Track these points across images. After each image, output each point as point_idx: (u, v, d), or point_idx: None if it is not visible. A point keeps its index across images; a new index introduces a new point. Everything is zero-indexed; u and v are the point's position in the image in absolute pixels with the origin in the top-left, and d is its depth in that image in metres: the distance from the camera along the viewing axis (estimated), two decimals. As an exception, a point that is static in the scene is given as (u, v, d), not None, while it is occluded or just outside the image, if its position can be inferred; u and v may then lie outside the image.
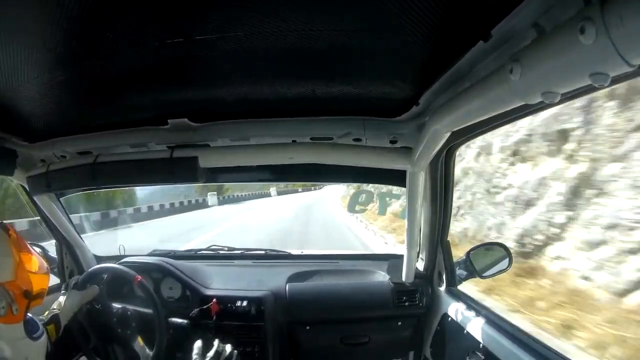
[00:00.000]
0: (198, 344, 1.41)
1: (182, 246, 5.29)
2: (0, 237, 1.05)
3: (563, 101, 0.71)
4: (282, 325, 1.74)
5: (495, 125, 1.10)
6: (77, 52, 0.79)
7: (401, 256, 1.74)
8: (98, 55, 0.80)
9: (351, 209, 11.91)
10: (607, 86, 0.51)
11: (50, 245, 1.91)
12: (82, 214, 9.98)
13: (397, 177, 1.48)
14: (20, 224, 6.89)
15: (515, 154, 6.03)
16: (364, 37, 0.75)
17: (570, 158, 4.80)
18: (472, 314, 1.42)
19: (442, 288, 1.67)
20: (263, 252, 2.18)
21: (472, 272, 1.63)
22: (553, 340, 3.41)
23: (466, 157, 8.66)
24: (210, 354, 1.37)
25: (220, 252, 2.20)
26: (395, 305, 1.72)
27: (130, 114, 1.22)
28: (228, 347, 1.43)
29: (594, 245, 4.18)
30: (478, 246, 1.71)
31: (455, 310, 1.53)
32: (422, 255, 1.74)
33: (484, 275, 1.65)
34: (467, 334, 1.37)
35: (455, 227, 6.94)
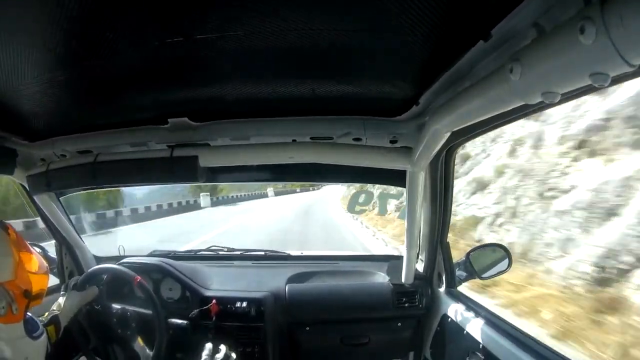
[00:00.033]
0: (208, 346, 1.41)
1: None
2: (0, 237, 1.05)
3: (563, 101, 0.71)
4: (282, 326, 1.74)
5: (495, 125, 1.10)
6: (77, 52, 0.79)
7: (401, 257, 1.73)
8: (98, 55, 0.80)
9: (351, 209, 11.55)
10: (607, 86, 0.51)
11: (50, 246, 1.91)
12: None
13: (397, 177, 1.47)
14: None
15: (580, 146, 4.65)
16: (364, 37, 0.75)
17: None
18: (471, 314, 1.42)
19: (442, 289, 1.67)
20: (263, 253, 2.18)
21: (472, 273, 1.63)
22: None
23: (492, 152, 7.69)
24: (220, 356, 1.38)
25: (220, 252, 2.19)
26: (395, 306, 1.72)
27: (130, 113, 1.22)
28: (234, 355, 1.44)
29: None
30: (477, 247, 1.71)
31: (455, 311, 1.52)
32: (422, 256, 1.74)
33: (483, 276, 1.64)
34: (467, 334, 1.37)
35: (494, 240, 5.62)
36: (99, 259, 1.99)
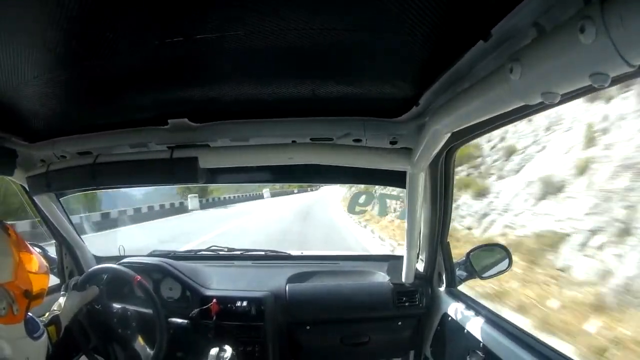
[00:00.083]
0: (214, 350, 1.41)
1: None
2: (0, 237, 1.05)
3: (563, 101, 0.71)
4: (282, 325, 1.74)
5: (495, 126, 1.10)
6: (77, 52, 0.79)
7: (401, 257, 1.74)
8: (98, 55, 0.80)
9: (351, 210, 11.13)
10: (608, 86, 0.51)
11: (50, 246, 1.91)
12: (17, 222, 7.12)
13: (397, 178, 1.47)
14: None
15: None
16: (364, 37, 0.75)
17: None
18: (472, 313, 1.42)
19: (442, 288, 1.67)
20: (263, 252, 2.18)
21: (472, 272, 1.63)
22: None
23: (549, 143, 6.05)
24: (227, 356, 1.39)
25: (220, 252, 2.19)
26: (395, 306, 1.72)
27: (130, 114, 1.22)
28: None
29: None
30: (478, 247, 1.71)
31: (455, 310, 1.52)
32: (422, 256, 1.74)
33: (483, 276, 1.65)
34: (467, 333, 1.37)
35: (588, 272, 3.72)
36: (99, 259, 1.99)
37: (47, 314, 1.43)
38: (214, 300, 1.68)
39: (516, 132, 8.09)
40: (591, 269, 3.98)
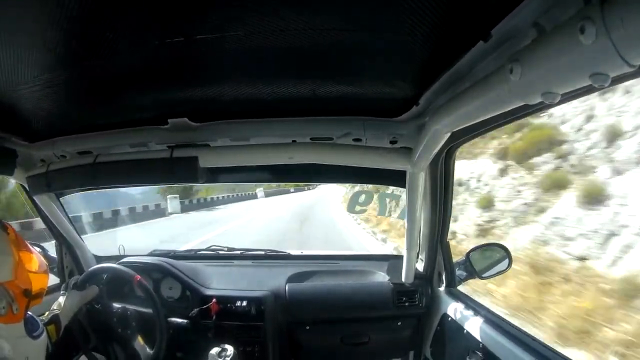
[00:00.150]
0: (215, 350, 1.42)
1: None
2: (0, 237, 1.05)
3: (563, 101, 0.71)
4: (282, 325, 1.74)
5: (495, 126, 1.11)
6: (77, 52, 0.79)
7: (401, 257, 1.74)
8: (98, 55, 0.80)
9: (351, 209, 10.77)
10: (608, 86, 0.51)
11: (50, 246, 1.91)
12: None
13: (397, 178, 1.48)
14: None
15: None
16: (364, 37, 0.75)
17: None
18: (471, 313, 1.42)
19: (442, 288, 1.67)
20: (263, 252, 2.18)
21: (472, 272, 1.63)
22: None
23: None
24: (229, 355, 1.39)
25: (220, 252, 2.19)
26: (395, 306, 1.72)
27: (130, 113, 1.22)
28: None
29: None
30: (477, 247, 1.71)
31: (455, 310, 1.53)
32: (422, 256, 1.74)
33: (483, 276, 1.65)
34: (467, 333, 1.37)
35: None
36: (99, 259, 1.99)
37: (47, 313, 1.43)
38: (214, 299, 1.68)
39: (612, 108, 5.74)
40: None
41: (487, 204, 7.33)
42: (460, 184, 8.02)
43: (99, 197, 11.24)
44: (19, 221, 7.49)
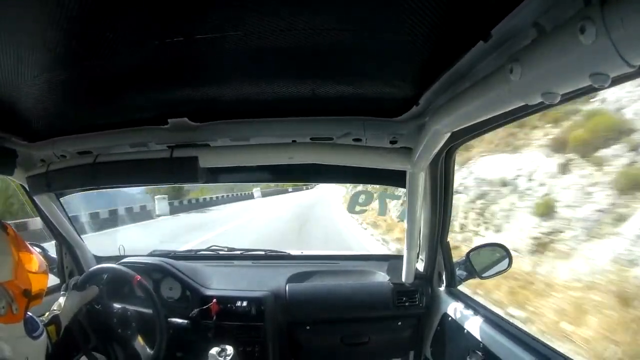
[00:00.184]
0: (215, 350, 1.42)
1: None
2: None
3: (563, 102, 0.71)
4: (282, 325, 1.74)
5: (495, 126, 1.11)
6: (77, 52, 0.79)
7: (401, 257, 1.74)
8: (98, 55, 0.80)
9: (351, 209, 10.07)
10: (608, 87, 0.51)
11: (50, 246, 1.91)
12: None
13: (397, 178, 1.48)
14: None
15: None
16: (364, 37, 0.75)
17: None
18: (471, 313, 1.42)
19: (442, 288, 1.67)
20: (263, 252, 2.18)
21: (472, 272, 1.63)
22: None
23: None
24: (229, 355, 1.39)
25: (220, 252, 2.20)
26: (395, 306, 1.72)
27: (130, 113, 1.22)
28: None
29: None
30: (478, 247, 1.71)
31: (455, 310, 1.53)
32: (422, 256, 1.74)
33: (483, 275, 1.65)
34: (467, 333, 1.37)
35: None
36: (99, 259, 2.00)
37: (47, 313, 1.43)
38: (214, 300, 1.68)
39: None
40: None
41: (546, 210, 5.62)
42: (504, 184, 6.70)
43: (88, 197, 9.25)
44: (15, 221, 7.46)
